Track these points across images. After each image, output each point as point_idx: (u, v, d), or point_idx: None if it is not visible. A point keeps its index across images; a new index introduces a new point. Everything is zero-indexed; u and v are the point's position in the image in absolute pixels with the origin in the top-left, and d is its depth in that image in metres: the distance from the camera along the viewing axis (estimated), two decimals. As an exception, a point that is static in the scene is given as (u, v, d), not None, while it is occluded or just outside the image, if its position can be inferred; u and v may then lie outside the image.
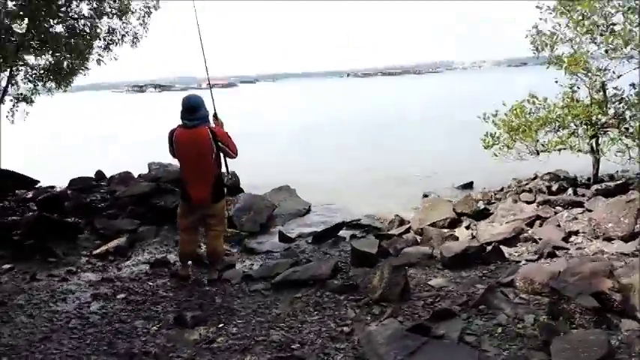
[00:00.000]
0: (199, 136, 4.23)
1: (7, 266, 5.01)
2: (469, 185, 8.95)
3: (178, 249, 4.78)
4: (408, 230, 6.05)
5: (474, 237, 5.15)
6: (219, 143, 4.28)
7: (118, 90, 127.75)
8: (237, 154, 4.47)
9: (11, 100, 9.63)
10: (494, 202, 7.08)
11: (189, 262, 4.75)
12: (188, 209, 4.51)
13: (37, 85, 9.59)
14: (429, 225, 5.93)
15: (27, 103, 9.72)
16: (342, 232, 6.43)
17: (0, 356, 3.18)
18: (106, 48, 8.73)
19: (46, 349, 3.25)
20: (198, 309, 3.86)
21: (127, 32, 8.50)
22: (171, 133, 4.30)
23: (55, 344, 3.32)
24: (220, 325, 3.50)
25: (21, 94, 9.63)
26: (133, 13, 8.31)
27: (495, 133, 7.33)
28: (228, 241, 5.72)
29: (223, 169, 4.53)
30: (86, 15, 8.60)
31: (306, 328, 3.39)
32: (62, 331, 3.53)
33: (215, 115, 4.59)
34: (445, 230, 5.63)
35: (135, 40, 8.54)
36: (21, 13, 8.36)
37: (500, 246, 4.76)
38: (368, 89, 64.31)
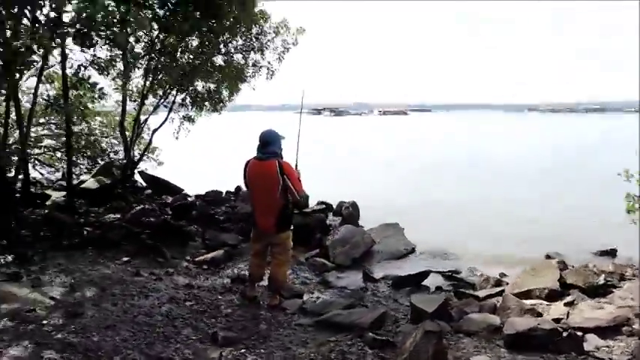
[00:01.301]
0: (268, 169, 4.53)
1: (125, 259, 6.00)
2: (611, 253, 7.60)
3: (248, 271, 5.13)
4: (499, 293, 5.43)
5: (560, 319, 4.39)
6: (285, 177, 4.51)
7: (298, 111, 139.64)
8: (302, 196, 4.60)
9: (179, 120, 11.46)
10: (627, 280, 5.91)
11: (257, 285, 5.06)
12: (257, 235, 4.84)
13: (201, 107, 11.25)
14: (523, 292, 5.25)
15: (190, 122, 11.47)
16: (431, 281, 6.15)
17: (73, 332, 3.85)
18: (252, 77, 9.90)
19: (105, 335, 3.83)
20: (239, 330, 4.11)
21: (265, 66, 9.50)
22: (246, 164, 4.70)
23: (114, 333, 3.89)
24: (243, 350, 3.67)
25: (187, 114, 11.41)
26: (269, 50, 9.28)
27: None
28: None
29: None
30: (238, 50, 9.90)
31: (316, 374, 3.36)
32: (126, 324, 4.11)
33: (296, 166, 4.87)
34: (533, 302, 4.91)
35: (270, 73, 9.50)
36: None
37: (589, 335, 4.00)
38: (546, 126, 58.76)
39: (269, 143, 4.63)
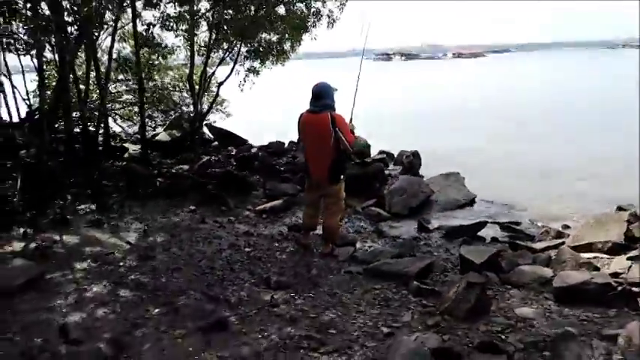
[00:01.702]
0: (321, 121, 4.61)
1: (192, 207, 6.48)
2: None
3: (302, 220, 5.36)
4: (558, 246, 5.26)
5: (620, 273, 4.20)
6: (337, 129, 4.58)
7: (369, 57, 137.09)
8: (354, 145, 4.68)
9: (244, 72, 11.69)
10: None
11: (312, 233, 5.30)
12: (310, 186, 5.02)
13: (264, 59, 11.37)
14: (583, 245, 5.06)
15: (255, 75, 11.66)
16: (488, 232, 6.08)
17: (144, 273, 4.32)
18: (312, 27, 9.79)
19: (170, 277, 4.26)
20: (291, 275, 4.38)
21: (326, 14, 9.33)
22: (300, 117, 4.80)
23: (178, 275, 4.32)
24: (293, 294, 3.94)
25: (252, 66, 11.59)
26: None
27: None
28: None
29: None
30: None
31: (358, 318, 3.54)
32: (190, 267, 4.53)
33: (350, 119, 4.91)
34: (593, 255, 4.72)
35: (331, 22, 9.31)
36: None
37: (648, 290, 3.82)
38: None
39: (321, 96, 4.68)
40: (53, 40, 6.44)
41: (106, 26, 8.41)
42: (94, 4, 5.87)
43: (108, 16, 7.84)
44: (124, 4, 7.49)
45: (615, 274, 4.20)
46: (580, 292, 3.68)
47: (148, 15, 8.78)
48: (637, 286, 3.94)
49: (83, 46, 8.29)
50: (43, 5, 5.51)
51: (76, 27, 6.11)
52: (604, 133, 13.80)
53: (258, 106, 20.13)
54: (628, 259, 4.64)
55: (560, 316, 3.51)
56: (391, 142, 11.68)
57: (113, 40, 8.02)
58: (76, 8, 5.79)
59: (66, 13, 6.45)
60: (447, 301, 3.56)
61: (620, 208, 6.74)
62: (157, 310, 3.59)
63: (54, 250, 4.75)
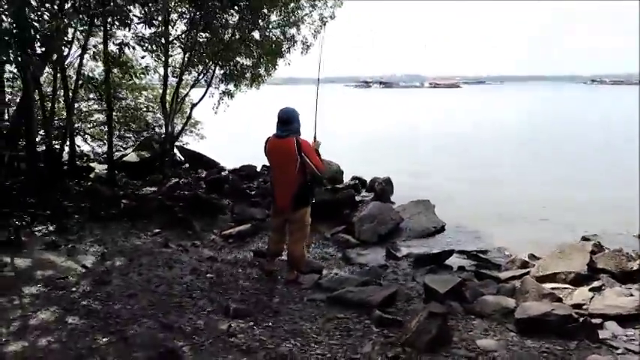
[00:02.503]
0: (286, 146, 4.56)
1: (156, 231, 6.30)
2: (661, 237, 7.14)
3: (267, 246, 5.25)
4: (524, 275, 5.28)
5: (582, 304, 4.21)
6: (303, 154, 4.54)
7: (350, 84, 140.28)
8: (321, 170, 4.66)
9: (219, 95, 11.66)
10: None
11: (277, 259, 5.18)
12: (275, 211, 4.93)
13: (239, 82, 11.38)
14: (547, 275, 5.08)
15: (229, 97, 11.64)
16: (455, 260, 6.07)
17: (98, 299, 4.12)
18: (287, 52, 9.88)
19: (126, 303, 4.07)
20: (252, 303, 4.24)
21: (300, 41, 9.43)
22: (266, 141, 4.75)
23: (134, 302, 4.12)
24: (252, 323, 3.80)
25: (227, 89, 11.58)
26: (304, 24, 9.17)
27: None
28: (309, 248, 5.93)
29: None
30: (275, 24, 9.86)
31: (317, 348, 3.43)
32: (147, 293, 4.34)
33: (314, 137, 4.88)
34: (557, 286, 4.73)
35: (305, 47, 9.41)
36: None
37: (609, 322, 3.83)
38: (606, 99, 55.07)
39: (288, 121, 4.65)
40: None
41: (76, 43, 8.27)
42: (59, 20, 5.70)
43: (78, 33, 7.70)
44: (95, 22, 7.36)
45: (577, 306, 4.21)
46: (541, 324, 3.64)
47: (122, 34, 8.61)
48: (597, 318, 3.96)
49: (50, 64, 8.14)
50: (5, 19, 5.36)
51: (39, 44, 5.95)
52: (575, 163, 14.21)
53: (233, 129, 20.09)
54: (590, 290, 4.69)
55: (522, 348, 3.46)
56: (365, 167, 11.72)
57: (82, 58, 7.87)
58: (39, 24, 5.64)
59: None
60: (408, 331, 3.48)
61: (584, 239, 6.87)
62: (105, 340, 3.40)
63: (2, 274, 4.51)
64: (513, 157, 15.50)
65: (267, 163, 5.07)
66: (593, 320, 3.75)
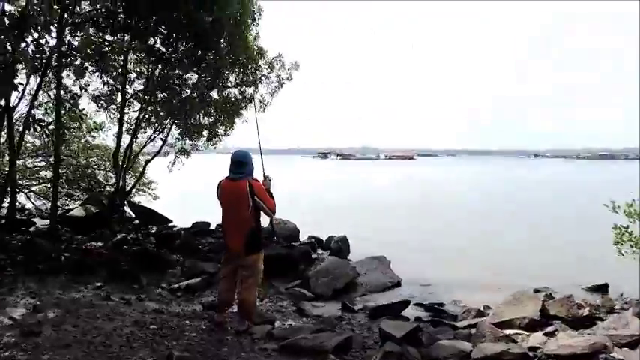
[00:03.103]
0: (238, 189, 4.49)
1: (98, 284, 5.90)
2: (602, 288, 7.35)
3: (217, 295, 4.99)
4: (477, 325, 5.22)
5: (537, 347, 4.18)
6: (256, 198, 4.47)
7: (307, 156, 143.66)
8: (274, 212, 4.60)
9: (175, 153, 11.59)
10: (615, 312, 5.67)
11: (227, 309, 4.91)
12: (227, 258, 4.75)
13: (196, 140, 11.38)
14: (503, 321, 5.06)
15: (186, 156, 11.57)
16: (412, 312, 5.98)
17: (23, 350, 3.72)
18: (244, 109, 10.09)
19: (57, 354, 3.69)
20: (197, 352, 3.95)
21: (258, 99, 9.68)
22: (218, 184, 4.67)
23: (66, 352, 3.75)
24: (195, 373, 3.51)
25: (183, 148, 11.53)
26: (262, 84, 9.48)
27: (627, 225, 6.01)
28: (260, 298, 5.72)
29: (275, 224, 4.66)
30: (234, 84, 10.12)
31: (267, 396, 3.19)
32: (82, 344, 3.95)
33: (264, 175, 4.85)
34: (512, 331, 4.70)
35: (262, 105, 9.65)
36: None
37: (564, 363, 3.80)
38: (537, 170, 58.77)
39: (241, 164, 4.61)
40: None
41: (26, 93, 8.04)
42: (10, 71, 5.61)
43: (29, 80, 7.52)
44: (48, 69, 7.25)
45: (532, 348, 4.18)
46: (498, 364, 3.57)
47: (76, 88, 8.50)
48: (555, 358, 3.92)
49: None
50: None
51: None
52: (520, 225, 14.80)
53: (187, 188, 19.78)
54: (544, 334, 4.68)
55: (480, 388, 3.35)
56: (321, 230, 11.66)
57: (31, 108, 7.66)
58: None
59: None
60: (364, 374, 3.32)
61: (536, 290, 6.98)
62: (27, 391, 3.03)
63: None
64: (462, 223, 15.97)
65: (220, 221, 4.90)
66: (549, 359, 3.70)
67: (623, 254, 5.86)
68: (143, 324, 4.61)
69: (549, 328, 4.88)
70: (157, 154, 10.61)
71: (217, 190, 4.67)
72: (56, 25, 6.24)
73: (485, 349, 3.73)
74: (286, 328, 4.75)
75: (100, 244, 7.80)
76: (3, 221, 7.81)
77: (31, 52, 5.91)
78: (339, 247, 9.34)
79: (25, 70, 7.22)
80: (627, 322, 4.58)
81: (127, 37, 7.99)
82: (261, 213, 4.61)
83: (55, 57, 6.26)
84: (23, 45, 5.93)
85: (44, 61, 6.31)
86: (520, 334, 4.75)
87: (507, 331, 4.77)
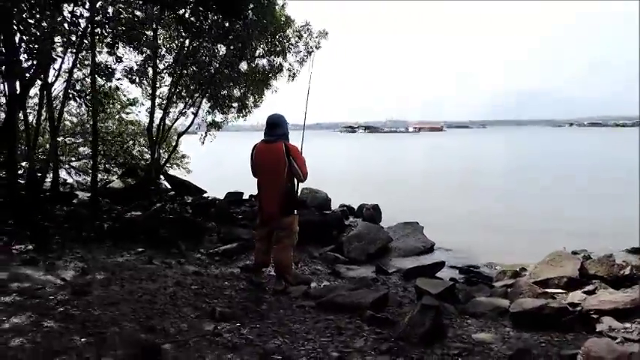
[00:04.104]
0: (275, 150, 4.54)
1: (140, 249, 6.12)
2: (643, 250, 7.16)
3: (253, 257, 5.11)
4: (514, 284, 5.19)
5: (577, 304, 4.12)
6: (291, 158, 4.51)
7: (335, 130, 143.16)
8: (305, 177, 4.62)
9: (206, 126, 11.73)
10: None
11: (264, 270, 5.04)
12: (262, 220, 4.83)
13: (227, 112, 11.48)
14: (540, 281, 5.00)
15: (217, 129, 11.70)
16: (447, 274, 5.98)
17: (76, 307, 3.92)
18: (273, 79, 10.07)
19: (106, 310, 3.87)
20: (238, 309, 4.07)
21: (287, 69, 9.62)
22: (253, 148, 4.72)
23: (114, 309, 3.93)
24: (238, 325, 3.64)
25: (214, 121, 11.66)
26: (290, 53, 9.41)
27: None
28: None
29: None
30: (262, 55, 10.09)
31: (307, 345, 3.28)
32: (129, 302, 4.14)
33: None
34: (549, 291, 4.65)
35: (291, 75, 9.60)
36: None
37: (605, 317, 3.75)
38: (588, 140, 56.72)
39: (276, 126, 4.64)
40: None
41: (62, 72, 8.26)
42: (48, 44, 5.73)
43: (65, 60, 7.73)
44: (82, 48, 7.41)
45: (572, 305, 4.12)
46: (537, 317, 3.57)
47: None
48: (594, 314, 3.88)
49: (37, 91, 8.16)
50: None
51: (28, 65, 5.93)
52: (554, 191, 14.46)
53: (220, 160, 20.11)
54: (584, 292, 4.61)
55: (519, 340, 3.36)
56: (352, 199, 11.69)
57: (69, 81, 7.85)
58: (29, 47, 5.66)
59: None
60: (402, 326, 3.37)
61: (574, 252, 6.85)
62: (82, 340, 3.21)
63: (-27, 285, 4.29)
64: (494, 190, 15.69)
65: (254, 191, 4.95)
66: (590, 313, 3.66)
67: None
68: (185, 284, 4.79)
69: (589, 287, 4.80)
70: (189, 127, 10.78)
71: (252, 153, 4.72)
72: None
73: (523, 303, 3.72)
74: (322, 288, 4.82)
75: (138, 213, 8.05)
76: (47, 194, 8.12)
77: (66, 26, 6.03)
78: (372, 214, 9.36)
79: (60, 48, 7.41)
80: (671, 279, 4.46)
81: (156, 8, 8.02)
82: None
83: (89, 29, 6.36)
84: (59, 18, 6.04)
85: (79, 34, 6.43)
86: (559, 292, 4.70)
87: (546, 290, 4.73)
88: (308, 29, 10.31)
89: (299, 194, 5.03)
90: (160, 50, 10.15)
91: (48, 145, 9.52)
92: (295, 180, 4.66)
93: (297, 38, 10.05)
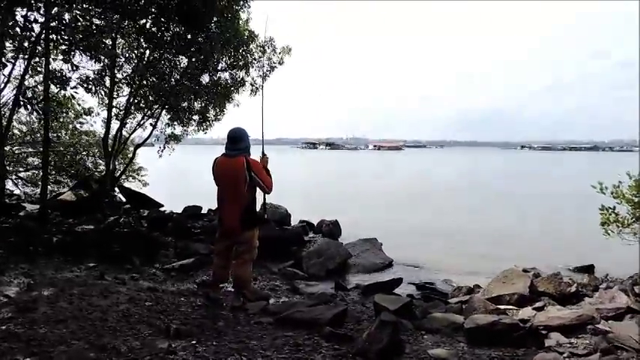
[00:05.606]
0: (236, 164, 4.50)
1: (91, 264, 5.88)
2: (588, 269, 7.52)
3: (211, 272, 5.02)
4: (469, 300, 5.33)
5: (527, 320, 4.28)
6: (252, 174, 4.49)
7: (296, 146, 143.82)
8: (270, 189, 4.62)
9: (165, 138, 11.50)
10: (601, 290, 5.82)
11: (222, 286, 4.95)
12: (221, 234, 4.76)
13: (188, 125, 11.30)
14: (492, 297, 5.17)
15: (176, 141, 11.49)
16: (403, 290, 6.07)
17: (20, 325, 3.71)
18: (235, 93, 10.03)
19: (53, 328, 3.68)
20: (194, 326, 3.98)
21: (250, 83, 9.62)
22: (214, 161, 4.67)
23: (63, 327, 3.74)
24: (194, 342, 3.55)
25: (173, 133, 11.45)
26: (254, 68, 9.43)
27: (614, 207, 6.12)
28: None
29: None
30: (224, 69, 10.04)
31: (264, 363, 3.24)
32: (78, 319, 3.95)
33: (262, 153, 4.87)
34: (502, 307, 4.81)
35: (254, 90, 9.61)
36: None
37: (553, 333, 3.90)
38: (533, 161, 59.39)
39: (238, 140, 4.61)
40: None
41: (12, 78, 7.90)
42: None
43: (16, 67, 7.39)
44: (36, 54, 7.12)
45: (523, 320, 4.27)
46: (490, 333, 3.67)
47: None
48: (544, 329, 4.03)
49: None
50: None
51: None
52: (507, 210, 15.01)
53: (179, 174, 19.72)
54: (534, 309, 4.79)
55: (473, 355, 3.44)
56: (312, 215, 11.72)
57: (20, 88, 7.51)
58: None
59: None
60: (360, 343, 3.38)
61: (525, 271, 7.10)
62: (27, 359, 3.04)
63: None
64: (450, 209, 16.14)
65: (213, 205, 4.91)
66: (540, 329, 3.80)
67: (609, 234, 5.98)
68: (138, 301, 4.63)
69: (538, 304, 5.01)
70: (147, 138, 10.53)
71: (213, 166, 4.67)
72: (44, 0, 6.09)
73: (477, 319, 3.82)
74: (281, 304, 4.79)
75: (91, 227, 7.75)
76: (-9, 205, 7.70)
77: (18, 30, 5.80)
78: (331, 230, 9.41)
79: (11, 53, 7.11)
80: (613, 297, 4.71)
81: (116, 17, 7.83)
82: (256, 190, 4.65)
83: (43, 34, 6.13)
84: (11, 22, 5.82)
85: (32, 39, 6.20)
86: (510, 308, 4.86)
87: (497, 307, 4.88)
88: (272, 44, 10.37)
89: (266, 206, 4.99)
90: (118, 59, 9.92)
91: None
92: (262, 192, 4.64)
93: (260, 53, 10.09)
